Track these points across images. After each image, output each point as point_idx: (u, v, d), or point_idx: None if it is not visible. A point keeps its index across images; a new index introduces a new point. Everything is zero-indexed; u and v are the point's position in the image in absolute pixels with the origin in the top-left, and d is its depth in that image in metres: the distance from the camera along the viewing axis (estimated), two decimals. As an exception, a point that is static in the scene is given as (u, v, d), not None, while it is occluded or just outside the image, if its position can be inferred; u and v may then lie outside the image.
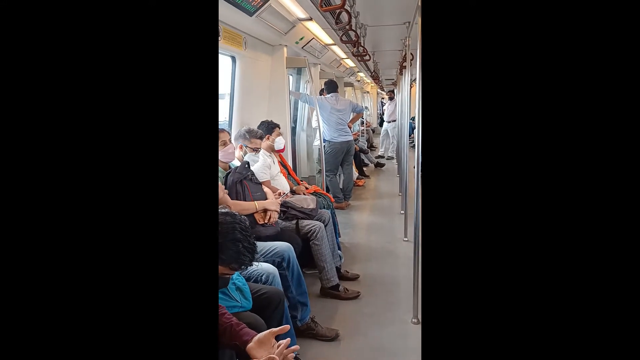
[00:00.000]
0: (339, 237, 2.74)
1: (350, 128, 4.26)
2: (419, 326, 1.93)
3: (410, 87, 3.98)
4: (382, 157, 7.43)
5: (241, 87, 2.74)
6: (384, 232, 3.35)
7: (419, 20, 1.83)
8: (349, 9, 2.14)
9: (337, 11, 1.99)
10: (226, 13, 2.03)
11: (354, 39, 2.59)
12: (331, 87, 4.06)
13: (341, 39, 2.59)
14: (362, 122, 7.79)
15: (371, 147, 8.11)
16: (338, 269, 2.37)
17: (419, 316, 1.97)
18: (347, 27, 2.14)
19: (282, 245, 1.82)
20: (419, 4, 1.81)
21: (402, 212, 3.51)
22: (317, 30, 3.16)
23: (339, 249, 2.53)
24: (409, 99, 3.63)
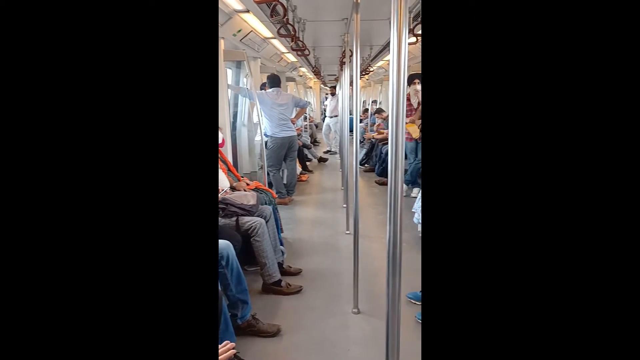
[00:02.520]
0: (282, 232, 2.74)
1: (294, 123, 4.25)
2: (360, 315, 1.99)
3: (350, 83, 4.05)
4: (329, 151, 7.51)
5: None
6: (327, 226, 3.39)
7: (355, 17, 1.86)
8: (284, 2, 2.12)
9: (272, 4, 1.97)
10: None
11: (292, 33, 2.58)
12: (273, 81, 4.02)
13: (279, 33, 2.57)
14: (306, 118, 7.82)
15: (315, 142, 8.16)
16: (280, 265, 2.36)
17: (359, 306, 2.02)
18: (284, 20, 2.12)
19: (221, 244, 1.78)
20: (356, 1, 1.84)
21: (345, 205, 3.58)
22: (256, 23, 3.10)
23: (282, 244, 2.52)
24: (349, 95, 3.70)
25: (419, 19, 2.36)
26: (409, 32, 2.74)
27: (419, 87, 4.18)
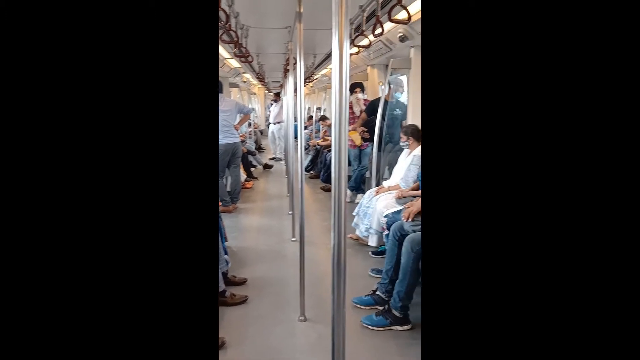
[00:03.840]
0: (226, 241, 2.67)
1: (237, 130, 4.18)
2: (306, 323, 1.98)
3: (295, 91, 4.07)
4: (274, 158, 7.45)
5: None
6: (273, 234, 3.36)
7: (298, 26, 1.88)
8: (226, 8, 2.09)
9: (215, 9, 1.93)
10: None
11: (234, 39, 2.54)
12: (215, 87, 3.92)
13: (221, 39, 2.52)
14: (250, 124, 7.72)
15: (259, 148, 8.08)
16: (225, 275, 2.30)
17: (306, 313, 2.02)
18: (227, 26, 2.09)
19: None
20: (299, 10, 1.86)
21: (290, 212, 3.57)
22: (197, 28, 3.02)
23: (226, 253, 2.45)
24: (293, 102, 3.71)
25: (361, 30, 2.43)
26: (350, 43, 2.82)
27: (360, 95, 4.29)
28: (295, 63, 2.97)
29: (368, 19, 2.35)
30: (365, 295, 2.13)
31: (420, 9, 2.36)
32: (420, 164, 2.80)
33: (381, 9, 2.04)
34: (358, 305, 2.10)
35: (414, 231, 1.94)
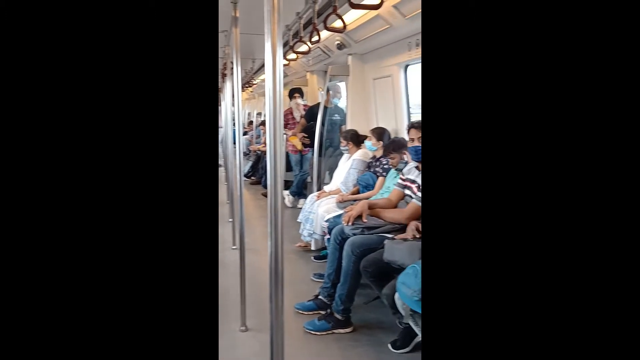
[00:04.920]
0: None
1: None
2: (248, 333, 1.94)
3: (232, 95, 3.99)
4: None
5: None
6: (212, 242, 3.25)
7: (234, 30, 1.84)
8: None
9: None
10: None
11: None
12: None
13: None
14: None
15: (198, 155, 7.80)
16: (160, 288, 2.18)
17: (247, 323, 1.97)
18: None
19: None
20: (234, 14, 1.83)
21: (230, 220, 3.48)
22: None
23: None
24: (232, 106, 3.64)
25: (299, 37, 2.45)
26: (289, 49, 2.82)
27: (300, 100, 4.32)
28: (232, 68, 2.92)
29: (305, 26, 2.38)
30: (308, 301, 2.13)
31: (355, 19, 2.43)
32: (360, 168, 2.87)
33: (317, 17, 2.07)
34: (300, 311, 2.09)
35: (354, 234, 1.98)
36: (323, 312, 2.00)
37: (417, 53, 2.48)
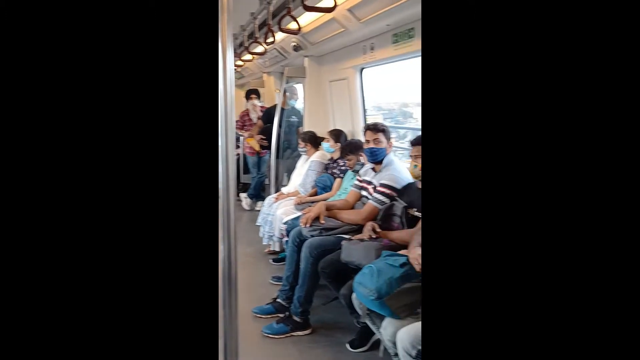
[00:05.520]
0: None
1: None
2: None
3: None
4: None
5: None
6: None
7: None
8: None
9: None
10: None
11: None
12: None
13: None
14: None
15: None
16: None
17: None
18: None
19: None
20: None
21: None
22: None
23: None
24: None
25: (254, 37, 2.42)
26: (244, 50, 2.78)
27: (256, 102, 4.28)
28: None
29: (260, 26, 2.36)
30: (266, 304, 2.10)
31: (310, 21, 2.44)
32: (317, 169, 2.88)
33: (272, 18, 2.06)
34: (258, 315, 2.06)
35: (312, 236, 1.98)
36: (281, 315, 1.99)
37: (372, 56, 2.53)
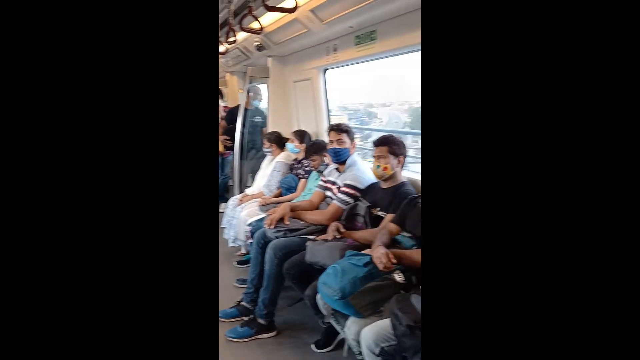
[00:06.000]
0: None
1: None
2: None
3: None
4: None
5: None
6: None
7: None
8: None
9: None
10: None
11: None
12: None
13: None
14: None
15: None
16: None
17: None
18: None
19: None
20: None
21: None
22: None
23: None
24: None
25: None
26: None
27: (219, 102, 4.20)
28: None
29: (222, 25, 2.32)
30: (230, 308, 2.07)
31: (273, 21, 2.43)
32: (282, 170, 2.87)
33: (234, 17, 2.02)
34: (222, 319, 2.03)
35: (277, 237, 1.97)
36: (246, 319, 1.96)
37: (335, 58, 2.55)
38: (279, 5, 1.87)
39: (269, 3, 1.70)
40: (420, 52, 2.02)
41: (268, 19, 2.38)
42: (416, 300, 1.22)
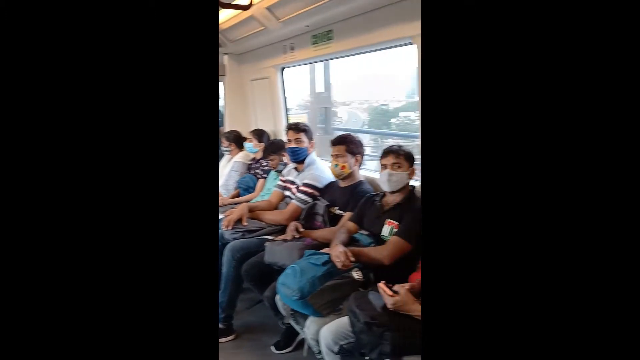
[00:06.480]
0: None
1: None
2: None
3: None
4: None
5: None
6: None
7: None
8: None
9: None
10: None
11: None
12: None
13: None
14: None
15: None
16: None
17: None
18: None
19: None
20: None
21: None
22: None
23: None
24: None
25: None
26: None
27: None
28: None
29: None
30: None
31: (228, 17, 2.38)
32: (240, 170, 2.81)
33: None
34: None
35: (235, 239, 1.93)
36: (204, 323, 1.91)
37: (293, 56, 2.54)
38: (234, 2, 1.83)
39: (223, 0, 1.66)
40: (378, 52, 2.06)
41: (223, 16, 2.33)
42: (374, 297, 1.23)
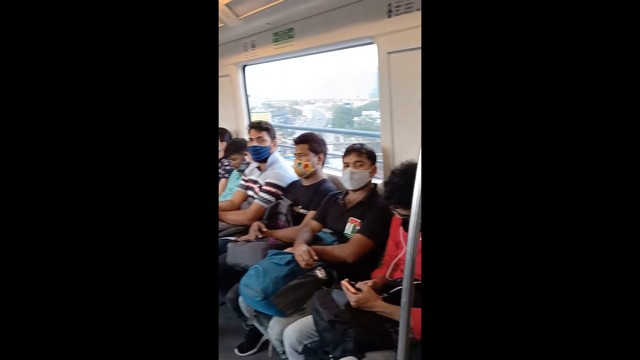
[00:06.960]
0: None
1: None
2: None
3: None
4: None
5: None
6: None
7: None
8: None
9: None
10: None
11: None
12: None
13: None
14: None
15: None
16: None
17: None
18: None
19: None
20: None
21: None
22: None
23: None
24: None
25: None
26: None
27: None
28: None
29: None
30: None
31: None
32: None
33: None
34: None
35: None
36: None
37: (254, 54, 2.50)
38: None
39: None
40: (340, 51, 2.06)
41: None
42: (337, 295, 1.24)
